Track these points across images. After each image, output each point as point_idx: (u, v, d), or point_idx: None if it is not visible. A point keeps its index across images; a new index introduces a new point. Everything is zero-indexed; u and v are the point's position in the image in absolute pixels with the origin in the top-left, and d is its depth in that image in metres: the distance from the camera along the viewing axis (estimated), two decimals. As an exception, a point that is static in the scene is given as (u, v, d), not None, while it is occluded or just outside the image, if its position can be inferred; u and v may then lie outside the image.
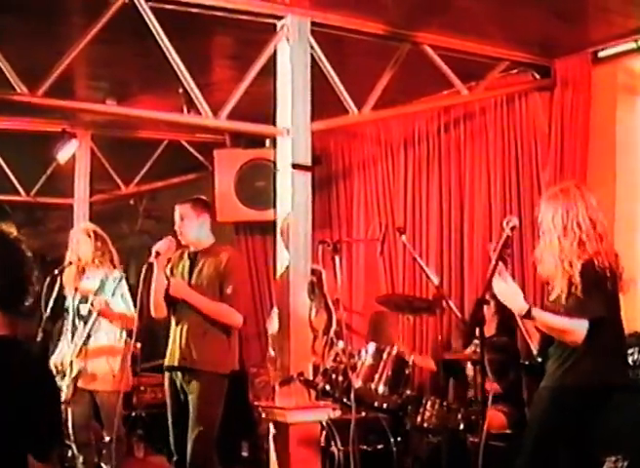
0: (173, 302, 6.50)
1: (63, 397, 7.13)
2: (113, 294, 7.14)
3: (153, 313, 6.55)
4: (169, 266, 6.62)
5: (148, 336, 7.18)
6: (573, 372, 4.84)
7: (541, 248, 5.04)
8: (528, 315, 4.84)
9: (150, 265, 6.41)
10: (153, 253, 6.39)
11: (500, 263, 4.96)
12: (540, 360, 5.16)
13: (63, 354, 7.30)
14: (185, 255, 6.65)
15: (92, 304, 7.11)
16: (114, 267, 7.37)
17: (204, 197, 6.95)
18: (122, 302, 7.25)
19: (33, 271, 3.47)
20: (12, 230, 3.66)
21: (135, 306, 7.10)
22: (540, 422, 4.93)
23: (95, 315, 7.11)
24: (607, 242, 4.97)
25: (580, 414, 4.81)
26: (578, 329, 4.75)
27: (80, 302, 7.32)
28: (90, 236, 7.41)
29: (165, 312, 6.53)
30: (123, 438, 7.37)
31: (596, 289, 4.79)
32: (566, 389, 4.85)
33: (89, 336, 7.17)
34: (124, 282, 7.29)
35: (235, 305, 6.44)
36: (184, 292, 6.44)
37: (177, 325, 6.52)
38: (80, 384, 7.16)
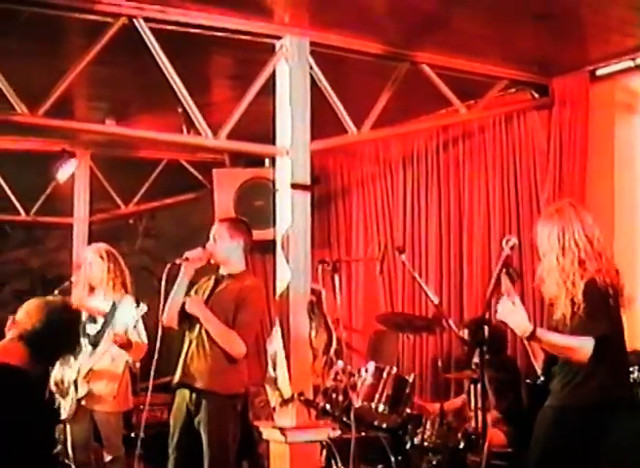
0: (189, 319, 6.35)
1: (64, 415, 7.11)
2: (112, 317, 7.10)
3: (165, 320, 6.33)
4: (195, 287, 6.45)
5: (145, 357, 7.12)
6: (578, 391, 4.82)
7: (542, 269, 5.03)
8: (532, 336, 4.83)
9: (174, 265, 6.23)
10: (183, 257, 6.22)
11: (508, 283, 4.95)
12: (543, 379, 5.15)
13: (65, 372, 7.26)
14: (212, 278, 6.50)
15: (107, 332, 7.06)
16: (126, 291, 7.32)
17: (244, 219, 6.78)
18: (133, 330, 7.17)
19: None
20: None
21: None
22: (545, 441, 4.91)
23: (108, 341, 7.05)
24: (606, 259, 4.96)
25: (584, 433, 4.80)
26: (584, 347, 4.74)
27: (87, 321, 7.28)
28: (102, 257, 7.36)
29: (176, 323, 6.34)
30: (123, 458, 7.34)
31: (600, 307, 4.78)
32: (571, 408, 4.83)
33: (98, 360, 7.13)
34: (133, 306, 7.20)
35: (244, 335, 6.17)
36: (198, 308, 6.25)
37: (188, 342, 6.36)
38: (83, 403, 7.13)
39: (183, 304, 6.28)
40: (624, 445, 5.56)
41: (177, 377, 6.32)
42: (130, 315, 7.09)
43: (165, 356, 6.51)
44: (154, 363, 6.23)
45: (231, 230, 6.38)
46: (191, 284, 6.38)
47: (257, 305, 6.37)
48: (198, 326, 6.23)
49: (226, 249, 6.34)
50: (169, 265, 6.18)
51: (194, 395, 6.19)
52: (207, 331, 6.18)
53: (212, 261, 6.39)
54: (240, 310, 6.18)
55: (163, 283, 6.16)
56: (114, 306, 7.09)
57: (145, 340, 7.16)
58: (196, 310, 6.22)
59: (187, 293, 6.36)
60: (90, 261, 7.39)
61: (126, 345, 7.04)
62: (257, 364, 9.78)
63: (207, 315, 6.18)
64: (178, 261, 6.22)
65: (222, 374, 6.18)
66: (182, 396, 6.29)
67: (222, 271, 6.41)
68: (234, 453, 6.27)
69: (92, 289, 7.40)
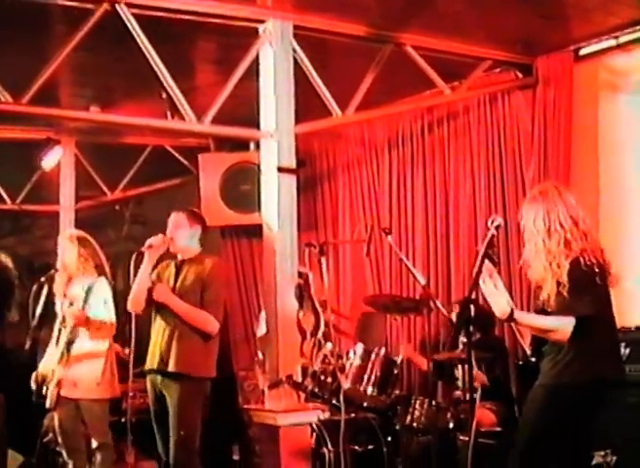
0: (156, 306, 6.55)
1: (48, 404, 7.11)
2: (86, 302, 7.11)
3: (129, 306, 6.57)
4: (155, 272, 6.65)
5: (137, 342, 7.14)
6: (568, 370, 4.84)
7: (528, 252, 5.04)
8: (510, 318, 4.86)
9: (140, 254, 6.46)
10: (146, 245, 6.46)
11: (490, 264, 4.97)
12: (534, 359, 5.17)
13: (48, 361, 7.27)
14: (172, 264, 6.69)
15: (66, 314, 7.09)
16: (100, 274, 7.33)
17: (197, 210, 7.02)
18: (104, 309, 7.21)
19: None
20: None
21: (118, 313, 7.18)
22: (535, 420, 4.93)
23: (69, 321, 7.09)
24: (592, 238, 4.98)
25: (574, 412, 4.82)
26: (562, 327, 4.77)
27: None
28: (73, 242, 7.37)
29: (141, 309, 6.56)
30: (111, 444, 7.34)
31: (584, 287, 4.80)
32: (561, 387, 4.85)
33: (70, 343, 7.14)
34: (107, 287, 7.25)
35: (214, 312, 6.46)
36: (166, 296, 6.49)
37: (157, 328, 6.57)
38: (62, 393, 7.11)
39: (149, 290, 6.50)
40: (614, 426, 5.62)
41: (147, 363, 6.52)
42: (103, 297, 7.16)
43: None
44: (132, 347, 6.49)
45: (190, 219, 6.71)
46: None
47: (219, 282, 6.67)
48: (167, 311, 6.42)
49: (187, 236, 6.66)
50: (135, 254, 6.45)
51: (165, 379, 6.37)
52: (176, 316, 6.36)
53: (171, 249, 6.65)
54: (205, 290, 6.48)
55: (132, 271, 6.46)
56: (89, 290, 7.10)
57: (113, 318, 7.22)
58: (165, 298, 6.50)
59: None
60: (62, 248, 7.40)
61: (82, 322, 7.06)
62: (245, 348, 9.83)
63: (176, 302, 6.47)
64: (142, 249, 6.47)
65: (196, 358, 6.42)
66: (153, 381, 6.55)
67: (181, 257, 6.67)
68: (198, 439, 6.46)
69: (70, 277, 7.40)
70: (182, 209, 6.82)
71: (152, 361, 6.52)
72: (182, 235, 6.63)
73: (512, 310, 4.84)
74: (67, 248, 7.36)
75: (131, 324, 6.51)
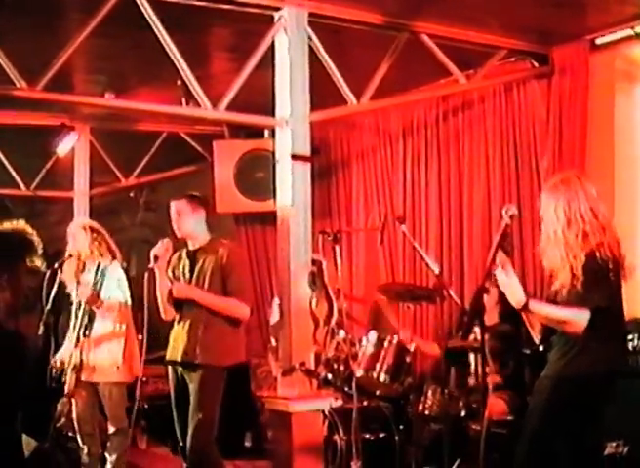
0: (178, 302, 6.53)
1: (66, 389, 7.16)
2: (101, 285, 7.17)
3: (164, 316, 6.64)
4: (170, 268, 6.64)
5: (149, 328, 7.16)
6: (575, 362, 4.85)
7: (545, 241, 5.02)
8: (525, 308, 4.86)
9: (151, 271, 6.44)
10: (152, 258, 6.43)
11: (504, 255, 4.96)
12: (542, 349, 5.17)
13: (65, 348, 7.33)
14: (184, 255, 6.68)
15: (78, 293, 7.16)
16: (114, 257, 7.40)
17: (198, 193, 6.93)
18: (118, 290, 7.28)
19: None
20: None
21: (132, 299, 7.23)
22: (542, 411, 4.94)
23: (84, 305, 7.15)
24: (610, 232, 4.96)
25: (581, 403, 4.83)
26: (578, 319, 4.76)
27: (82, 295, 7.35)
28: (85, 229, 7.43)
29: (174, 313, 6.61)
30: (127, 429, 7.39)
31: (598, 280, 4.79)
32: (568, 378, 4.86)
33: (87, 327, 7.18)
34: (120, 270, 7.32)
35: (240, 298, 6.48)
36: (189, 292, 6.48)
37: (180, 321, 6.56)
38: (83, 377, 7.18)
39: (170, 292, 6.49)
40: (626, 417, 5.62)
41: (169, 355, 6.52)
42: (116, 278, 7.22)
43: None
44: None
45: (192, 204, 6.64)
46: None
47: (240, 268, 6.69)
48: (188, 304, 6.41)
49: (192, 222, 6.61)
50: (147, 274, 6.43)
51: (189, 369, 6.38)
52: (203, 309, 6.34)
53: (178, 235, 6.64)
54: (228, 277, 6.46)
55: (145, 292, 6.42)
56: (103, 273, 7.15)
57: (128, 299, 7.33)
58: (187, 294, 6.44)
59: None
60: (74, 235, 7.44)
61: (94, 302, 7.11)
62: (258, 335, 9.85)
63: (199, 294, 6.45)
64: (150, 266, 6.44)
65: (222, 345, 6.41)
66: (174, 369, 6.55)
67: (191, 246, 6.62)
68: (216, 425, 6.47)
69: (84, 264, 7.44)
70: (182, 195, 6.77)
71: (175, 353, 6.51)
72: (187, 222, 6.61)
73: (527, 300, 4.84)
74: (80, 235, 7.41)
75: (143, 311, 6.52)
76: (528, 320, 5.14)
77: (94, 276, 7.20)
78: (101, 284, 7.19)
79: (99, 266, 7.26)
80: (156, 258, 6.42)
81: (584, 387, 4.83)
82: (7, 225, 4.20)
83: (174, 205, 6.67)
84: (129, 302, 7.31)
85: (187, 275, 6.58)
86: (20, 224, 4.24)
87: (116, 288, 7.29)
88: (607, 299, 4.81)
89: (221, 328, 6.44)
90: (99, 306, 7.19)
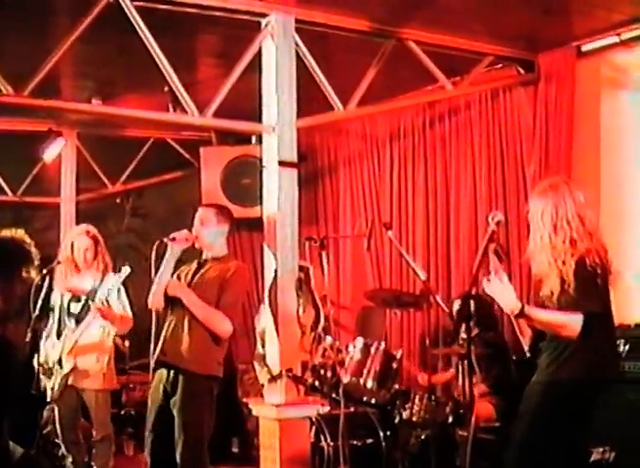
0: (170, 300, 6.35)
1: (50, 395, 7.13)
2: (118, 297, 7.15)
3: (150, 302, 6.31)
4: (176, 273, 6.43)
5: (136, 335, 7.14)
6: (566, 367, 4.85)
7: (533, 246, 5.03)
8: (521, 313, 4.86)
9: (161, 244, 6.17)
10: (170, 237, 6.18)
11: (497, 261, 4.97)
12: (529, 355, 5.17)
13: (49, 353, 7.28)
14: (195, 262, 6.48)
15: (91, 304, 7.08)
16: (108, 270, 7.37)
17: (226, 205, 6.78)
18: (119, 303, 7.24)
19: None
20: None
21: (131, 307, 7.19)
22: (532, 416, 4.93)
23: (91, 314, 7.09)
24: (597, 238, 4.97)
25: (571, 409, 4.83)
26: (573, 323, 4.76)
27: (71, 301, 7.30)
28: (90, 238, 7.40)
29: (161, 305, 6.30)
30: (112, 436, 7.36)
31: (590, 286, 4.80)
32: (558, 384, 4.86)
33: (82, 334, 7.16)
34: (120, 280, 7.27)
35: (228, 313, 6.16)
36: (181, 291, 6.24)
37: (169, 322, 6.37)
38: (70, 382, 7.15)
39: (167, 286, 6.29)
40: (613, 423, 5.62)
41: (156, 357, 6.32)
42: (122, 291, 7.19)
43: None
44: (152, 341, 6.24)
45: (219, 216, 6.43)
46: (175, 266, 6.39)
47: (240, 286, 6.38)
48: (180, 307, 6.24)
49: (213, 233, 6.38)
50: (157, 243, 6.15)
51: (172, 375, 6.16)
52: (189, 312, 6.18)
53: (196, 245, 6.40)
54: (224, 291, 6.20)
55: (152, 259, 6.16)
56: (100, 284, 7.12)
57: (130, 312, 7.22)
58: (179, 293, 6.21)
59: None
60: (77, 242, 7.40)
61: (109, 316, 7.06)
62: (245, 342, 9.83)
63: (190, 297, 6.18)
64: (165, 240, 6.18)
65: (203, 355, 6.14)
66: (160, 377, 6.22)
67: (206, 255, 6.43)
68: (207, 439, 6.13)
69: (76, 269, 7.41)
70: (211, 204, 6.59)
71: (161, 355, 6.32)
72: (208, 232, 6.37)
73: (523, 305, 4.84)
74: (81, 241, 7.37)
75: (151, 317, 6.36)
76: (519, 327, 5.14)
77: (99, 286, 7.14)
78: (118, 296, 7.17)
79: (103, 275, 7.23)
80: (173, 239, 6.19)
81: (575, 392, 4.83)
82: (6, 233, 4.20)
83: (200, 211, 6.45)
84: (129, 313, 7.26)
85: (189, 277, 6.39)
86: (20, 233, 4.24)
87: (126, 301, 7.26)
88: (600, 305, 4.82)
89: (204, 336, 6.24)
90: (112, 318, 7.11)
